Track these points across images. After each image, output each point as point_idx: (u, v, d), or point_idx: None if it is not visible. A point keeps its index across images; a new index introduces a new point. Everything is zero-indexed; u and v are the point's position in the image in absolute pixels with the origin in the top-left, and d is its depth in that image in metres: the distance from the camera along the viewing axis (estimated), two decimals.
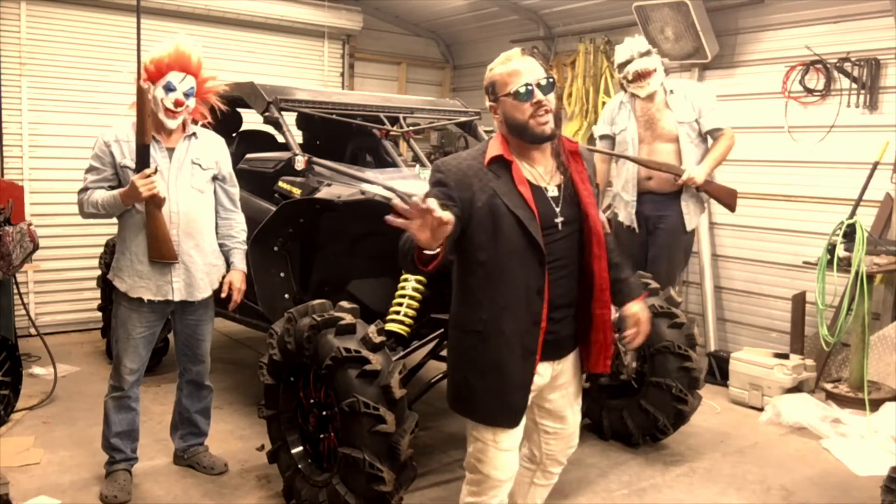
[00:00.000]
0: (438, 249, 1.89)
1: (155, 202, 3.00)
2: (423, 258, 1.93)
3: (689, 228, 4.66)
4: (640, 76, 4.50)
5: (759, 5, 5.27)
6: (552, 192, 2.17)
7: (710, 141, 4.64)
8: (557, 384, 2.33)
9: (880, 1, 4.62)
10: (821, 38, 4.96)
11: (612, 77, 6.26)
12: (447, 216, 1.79)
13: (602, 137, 4.84)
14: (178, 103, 3.06)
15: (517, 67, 2.09)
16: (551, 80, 2.11)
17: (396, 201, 1.76)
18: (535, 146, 2.17)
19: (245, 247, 3.42)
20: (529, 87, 2.07)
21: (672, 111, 4.58)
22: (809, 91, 5.05)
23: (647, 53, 4.50)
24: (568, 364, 2.32)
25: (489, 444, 2.22)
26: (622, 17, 5.89)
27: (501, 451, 2.22)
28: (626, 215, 4.74)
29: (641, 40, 4.59)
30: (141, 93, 2.98)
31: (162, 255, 3.08)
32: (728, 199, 4.65)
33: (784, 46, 5.15)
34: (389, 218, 1.74)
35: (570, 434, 2.45)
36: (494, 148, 2.15)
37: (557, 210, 2.16)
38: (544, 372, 2.24)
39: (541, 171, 2.19)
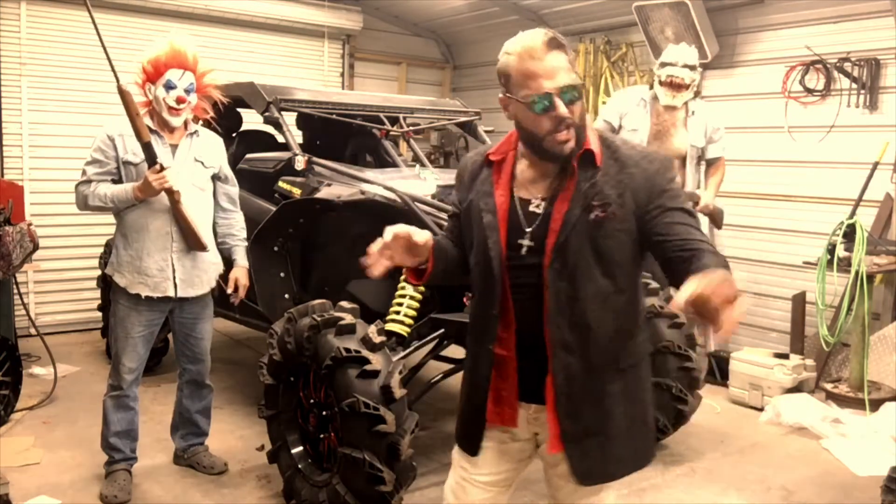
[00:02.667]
0: (426, 264, 1.80)
1: (172, 196, 3.02)
2: (413, 271, 1.84)
3: None
4: (674, 85, 4.40)
5: (759, 5, 5.27)
6: (534, 206, 1.75)
7: (703, 165, 4.65)
8: (541, 440, 1.85)
9: (880, 1, 4.62)
10: (821, 38, 4.96)
11: (613, 77, 6.26)
12: (422, 237, 1.69)
13: (604, 121, 4.68)
14: (180, 100, 3.07)
15: (537, 68, 1.63)
16: (579, 85, 1.68)
17: (374, 247, 1.70)
18: None
19: (246, 244, 3.43)
20: (549, 100, 1.63)
21: (688, 132, 4.55)
22: (809, 91, 5.05)
23: (693, 68, 4.41)
24: (541, 417, 1.82)
25: (455, 464, 1.97)
26: (622, 17, 5.90)
27: (457, 471, 1.95)
28: None
29: (694, 53, 4.50)
30: (123, 95, 2.99)
31: (191, 245, 3.13)
32: (719, 218, 4.69)
33: (784, 46, 5.15)
34: (371, 273, 1.70)
35: None
36: (496, 146, 1.85)
37: (528, 231, 1.73)
38: (520, 415, 1.83)
39: (535, 177, 1.77)
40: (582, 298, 1.68)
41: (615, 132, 4.65)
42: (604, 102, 6.30)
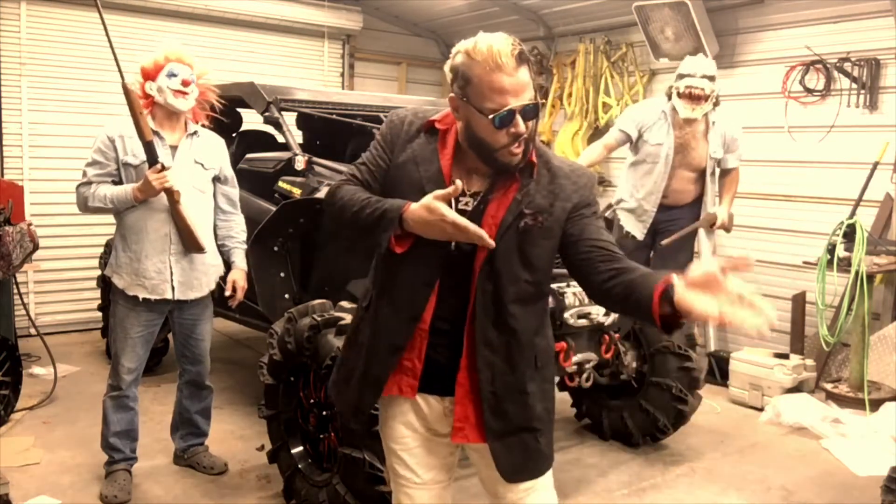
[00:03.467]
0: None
1: (171, 197, 3.02)
2: (398, 239, 1.69)
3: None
4: (693, 97, 4.33)
5: (759, 5, 5.27)
6: (463, 203, 1.73)
7: (717, 172, 4.64)
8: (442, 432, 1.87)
9: (880, 1, 4.62)
10: (821, 38, 4.96)
11: (612, 77, 6.26)
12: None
13: (620, 130, 4.61)
14: (185, 83, 3.07)
15: (505, 84, 1.60)
16: (537, 104, 1.67)
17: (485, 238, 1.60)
18: None
19: (245, 246, 3.43)
20: (511, 117, 1.62)
21: (708, 144, 4.52)
22: (809, 91, 5.05)
23: (712, 79, 4.33)
24: (446, 411, 1.84)
25: (392, 472, 1.97)
26: (622, 17, 5.90)
27: (397, 483, 1.94)
28: (638, 227, 4.66)
29: (712, 64, 4.44)
30: (127, 92, 2.99)
31: (188, 247, 3.12)
32: (731, 224, 4.72)
33: (784, 46, 5.15)
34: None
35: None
36: (441, 114, 1.79)
37: None
38: (430, 403, 1.83)
39: (470, 168, 1.75)
40: (507, 301, 1.72)
41: (632, 144, 4.61)
42: (604, 103, 6.32)
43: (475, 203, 1.73)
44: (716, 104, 4.45)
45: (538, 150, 1.77)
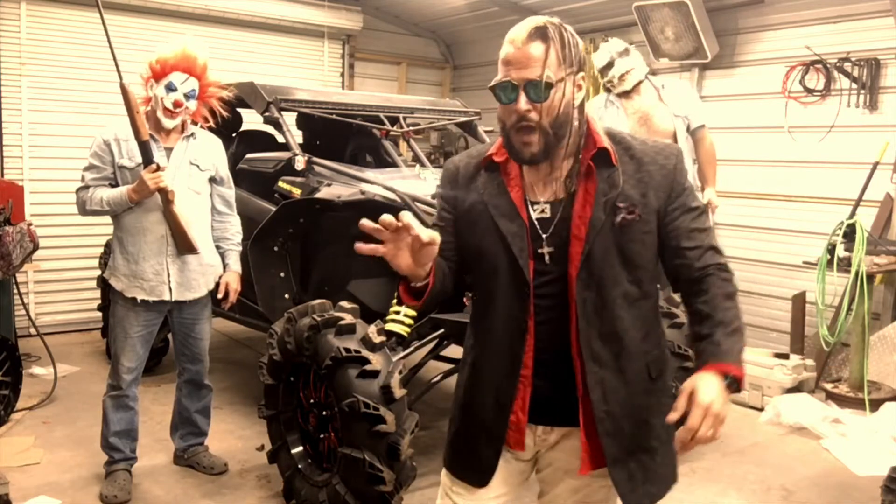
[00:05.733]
0: (427, 280, 1.54)
1: (165, 196, 3.02)
2: (410, 291, 1.58)
3: None
4: (622, 79, 4.48)
5: (759, 5, 5.27)
6: (539, 211, 1.61)
7: (690, 142, 4.66)
8: (546, 464, 1.76)
9: (880, 1, 4.62)
10: (821, 38, 4.96)
11: (608, 92, 6.26)
12: (428, 235, 1.42)
13: None
14: (176, 104, 3.07)
15: (510, 56, 1.53)
16: (549, 82, 1.50)
17: (365, 222, 1.42)
18: None
19: (240, 248, 3.43)
20: (510, 90, 1.53)
21: (667, 105, 4.57)
22: (809, 91, 5.05)
23: (626, 52, 4.48)
24: (563, 441, 1.70)
25: (445, 491, 1.80)
26: (622, 17, 5.90)
27: (449, 498, 1.78)
28: None
29: (617, 41, 4.57)
30: (125, 92, 2.99)
31: (180, 248, 3.12)
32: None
33: (784, 46, 5.15)
34: (359, 246, 1.43)
35: None
36: (496, 146, 1.67)
37: (544, 237, 1.60)
38: (527, 438, 1.69)
39: (537, 178, 1.63)
40: (610, 307, 1.58)
41: None
42: None
43: (559, 207, 1.59)
44: (653, 73, 4.61)
45: (614, 136, 1.64)
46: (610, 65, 4.48)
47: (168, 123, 3.11)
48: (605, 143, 1.60)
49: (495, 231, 1.60)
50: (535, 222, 1.60)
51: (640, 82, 4.51)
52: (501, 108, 1.56)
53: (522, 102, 1.52)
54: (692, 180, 4.67)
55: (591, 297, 1.58)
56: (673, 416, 1.45)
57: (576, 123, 1.57)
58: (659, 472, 1.67)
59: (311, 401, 3.09)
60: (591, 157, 1.59)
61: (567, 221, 1.58)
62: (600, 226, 1.56)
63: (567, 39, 1.54)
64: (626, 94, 4.56)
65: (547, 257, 1.59)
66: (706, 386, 1.44)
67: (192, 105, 3.13)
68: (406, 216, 1.39)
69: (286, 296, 3.82)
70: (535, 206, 1.61)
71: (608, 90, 4.64)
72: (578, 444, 1.63)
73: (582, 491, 1.73)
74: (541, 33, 1.52)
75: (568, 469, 1.70)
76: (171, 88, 3.06)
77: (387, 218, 1.39)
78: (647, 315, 1.66)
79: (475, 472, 1.71)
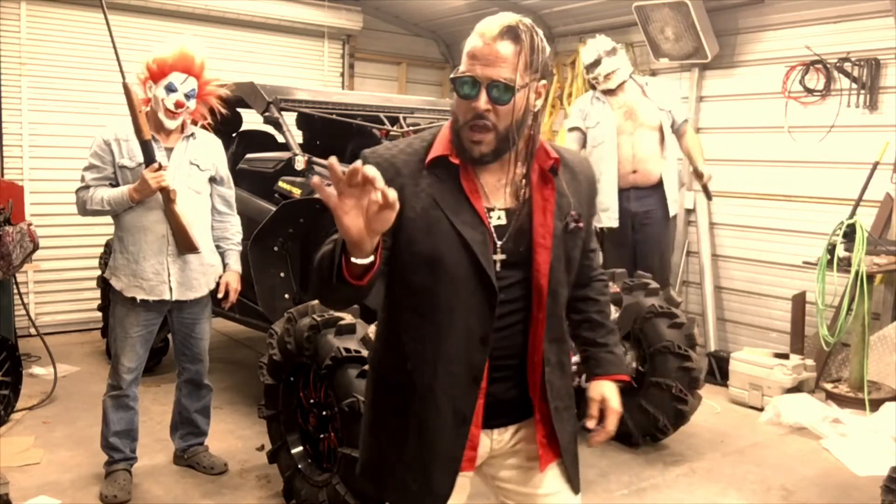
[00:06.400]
0: (372, 257, 1.35)
1: (167, 196, 3.02)
2: (353, 269, 1.36)
3: (672, 214, 4.75)
4: (608, 78, 4.59)
5: (759, 5, 5.27)
6: (496, 218, 1.57)
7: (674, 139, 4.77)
8: (505, 462, 1.73)
9: (880, 1, 4.62)
10: (821, 38, 4.96)
11: (594, 88, 6.27)
12: (393, 195, 1.25)
13: (571, 129, 4.82)
14: (178, 104, 3.07)
15: (476, 49, 1.48)
16: (513, 86, 1.47)
17: (316, 179, 1.28)
18: None
19: (240, 248, 3.43)
20: (472, 86, 1.48)
21: (651, 100, 4.65)
22: (809, 91, 5.05)
23: (613, 52, 4.57)
24: (515, 439, 1.70)
25: None
26: (622, 17, 5.89)
27: None
28: (607, 217, 4.68)
29: (605, 39, 4.65)
30: (128, 91, 2.99)
31: (181, 248, 3.12)
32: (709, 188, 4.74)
33: (784, 46, 5.15)
34: (315, 181, 1.28)
35: None
36: (441, 144, 1.57)
37: (499, 244, 1.56)
38: (481, 444, 1.65)
39: (488, 184, 1.58)
40: (559, 312, 1.64)
41: (584, 134, 4.76)
42: None
43: (516, 215, 1.57)
44: (652, 74, 4.78)
45: (555, 147, 1.64)
46: (597, 62, 4.57)
47: (170, 124, 3.12)
48: (552, 154, 1.61)
49: (456, 239, 1.52)
50: (492, 229, 1.57)
51: (624, 82, 4.62)
52: (458, 102, 1.52)
53: (483, 101, 1.48)
54: (682, 178, 4.74)
55: (549, 303, 1.61)
56: (592, 424, 1.71)
57: (530, 130, 1.57)
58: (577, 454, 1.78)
59: (311, 401, 3.09)
60: (550, 167, 1.60)
61: (525, 229, 1.57)
62: (559, 234, 1.60)
63: (536, 44, 1.52)
64: (610, 92, 4.65)
65: (498, 265, 1.56)
66: (612, 394, 1.74)
67: (193, 104, 3.14)
68: (371, 169, 1.23)
69: (286, 296, 3.82)
70: (492, 213, 1.58)
71: (593, 87, 4.75)
72: (534, 444, 1.67)
73: (545, 485, 1.72)
74: (512, 33, 1.49)
75: (529, 468, 1.71)
76: (171, 89, 3.06)
77: (353, 167, 1.23)
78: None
79: (432, 499, 1.59)
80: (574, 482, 1.71)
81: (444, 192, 1.54)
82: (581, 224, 1.63)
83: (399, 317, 1.62)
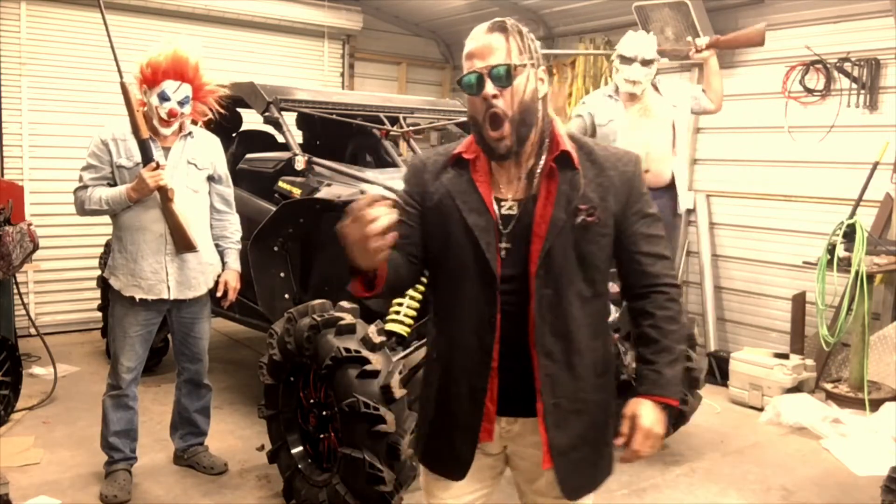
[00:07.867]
0: (378, 272, 1.57)
1: (165, 195, 3.02)
2: (362, 280, 1.60)
3: (681, 211, 4.62)
4: (629, 83, 4.40)
5: (759, 5, 5.27)
6: (507, 208, 1.66)
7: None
8: (523, 453, 1.77)
9: (880, 1, 4.62)
10: (821, 38, 4.96)
11: (612, 75, 6.26)
12: (386, 219, 1.42)
13: (576, 116, 4.64)
14: (171, 113, 3.07)
15: (471, 48, 1.61)
16: (512, 64, 1.57)
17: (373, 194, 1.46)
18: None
19: (239, 246, 3.43)
20: (476, 79, 1.58)
21: (663, 95, 4.54)
22: (809, 91, 5.05)
23: (649, 64, 4.35)
24: (527, 436, 1.73)
25: (427, 490, 1.85)
26: (622, 17, 5.89)
27: (431, 501, 1.83)
28: None
29: (651, 45, 4.42)
30: (125, 91, 2.99)
31: (178, 247, 3.11)
32: (756, 37, 4.44)
33: (784, 46, 5.15)
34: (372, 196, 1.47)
35: None
36: (465, 144, 1.72)
37: (504, 232, 1.64)
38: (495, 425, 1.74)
39: (503, 177, 1.68)
40: (564, 305, 1.64)
41: (584, 121, 4.60)
42: None
43: (522, 205, 1.64)
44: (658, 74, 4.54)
45: (576, 140, 1.69)
46: (630, 60, 4.34)
47: (165, 131, 3.12)
48: (568, 145, 1.65)
49: (463, 225, 1.64)
50: (501, 218, 1.65)
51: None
52: (471, 101, 1.62)
53: (489, 87, 1.57)
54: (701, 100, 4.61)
55: (547, 295, 1.63)
56: (619, 442, 1.63)
57: (540, 116, 1.63)
58: (597, 465, 1.75)
59: (311, 401, 3.09)
60: (554, 159, 1.64)
61: (528, 219, 1.63)
62: (561, 226, 1.61)
63: (525, 34, 1.62)
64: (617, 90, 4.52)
65: (503, 252, 1.64)
66: (647, 413, 1.62)
67: (188, 110, 3.13)
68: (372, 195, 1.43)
69: (286, 296, 3.82)
70: (503, 203, 1.66)
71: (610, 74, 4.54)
72: (539, 438, 1.68)
73: (541, 486, 1.76)
74: (499, 26, 1.60)
75: (539, 462, 1.72)
76: (164, 98, 3.05)
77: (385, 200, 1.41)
78: (597, 314, 1.72)
79: (453, 465, 1.74)
80: (567, 488, 1.68)
81: (459, 184, 1.68)
82: (593, 218, 1.62)
83: (434, 299, 1.78)
